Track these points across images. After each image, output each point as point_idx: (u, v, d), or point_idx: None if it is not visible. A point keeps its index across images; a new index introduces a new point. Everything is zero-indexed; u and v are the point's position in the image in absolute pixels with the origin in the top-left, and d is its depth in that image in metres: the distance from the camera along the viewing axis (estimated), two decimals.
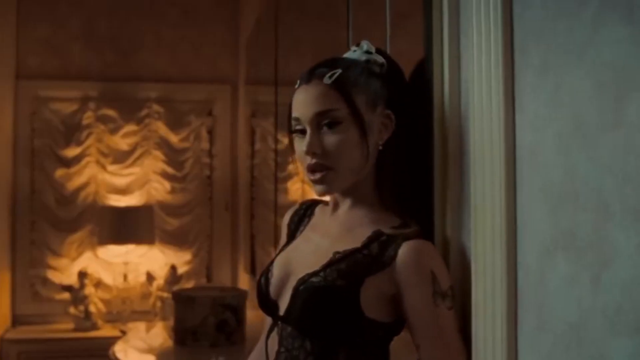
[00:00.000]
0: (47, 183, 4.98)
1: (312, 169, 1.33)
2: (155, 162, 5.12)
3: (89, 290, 4.80)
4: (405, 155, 1.39)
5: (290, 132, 1.38)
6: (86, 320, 4.76)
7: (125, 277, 4.96)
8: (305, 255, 1.38)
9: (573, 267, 1.04)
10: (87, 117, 5.04)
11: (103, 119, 5.06)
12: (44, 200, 4.97)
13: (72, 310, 4.77)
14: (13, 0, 4.93)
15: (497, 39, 1.22)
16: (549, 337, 1.10)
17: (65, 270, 4.95)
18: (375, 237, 1.30)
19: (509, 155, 1.19)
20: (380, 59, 1.41)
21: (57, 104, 5.02)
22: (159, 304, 4.81)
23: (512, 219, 1.19)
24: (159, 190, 5.13)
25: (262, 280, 1.42)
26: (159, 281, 4.91)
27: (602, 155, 0.98)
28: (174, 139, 5.15)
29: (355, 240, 1.31)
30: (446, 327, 1.27)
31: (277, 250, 1.50)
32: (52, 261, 4.96)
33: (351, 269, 1.28)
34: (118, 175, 5.08)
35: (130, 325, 4.58)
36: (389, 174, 1.37)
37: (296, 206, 1.55)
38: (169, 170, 5.14)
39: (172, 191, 5.14)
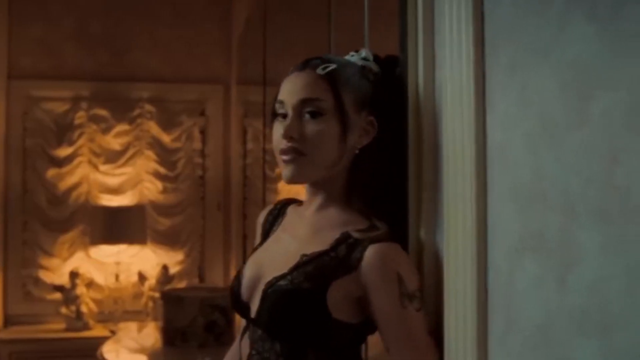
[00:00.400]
0: (39, 183, 4.97)
1: (285, 152, 1.32)
2: (147, 162, 5.11)
3: (81, 290, 4.79)
4: (383, 163, 1.39)
5: (273, 115, 1.38)
6: (78, 320, 4.75)
7: (117, 277, 4.94)
8: (274, 257, 1.37)
9: (540, 268, 1.03)
10: (79, 117, 5.03)
11: (95, 119, 5.05)
12: (35, 200, 4.96)
13: (63, 310, 4.76)
14: (5, 0, 4.92)
15: (468, 37, 1.21)
16: (518, 338, 1.09)
17: (57, 270, 4.94)
18: (343, 239, 1.29)
19: (479, 155, 1.18)
20: (375, 67, 1.41)
21: (49, 103, 5.00)
22: (150, 304, 4.80)
23: (483, 219, 1.18)
24: (151, 190, 5.12)
25: (235, 282, 1.41)
26: (151, 281, 4.90)
27: (568, 156, 0.97)
28: (166, 138, 5.14)
29: (323, 242, 1.31)
30: (415, 328, 1.26)
31: (251, 251, 1.50)
32: (44, 261, 4.95)
33: (318, 271, 1.27)
34: (110, 175, 5.07)
35: (122, 325, 4.58)
36: (363, 178, 1.36)
37: (271, 205, 1.55)
38: (161, 170, 5.13)
39: (164, 191, 5.13)
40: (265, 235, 1.49)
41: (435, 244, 1.36)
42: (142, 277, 4.93)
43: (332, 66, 1.37)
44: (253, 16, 4.00)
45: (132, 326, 4.63)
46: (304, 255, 1.30)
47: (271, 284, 1.30)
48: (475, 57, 1.19)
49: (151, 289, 4.85)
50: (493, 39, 1.17)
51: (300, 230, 1.39)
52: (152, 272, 4.97)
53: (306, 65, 1.38)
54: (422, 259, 1.39)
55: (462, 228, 1.22)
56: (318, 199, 1.38)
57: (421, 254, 1.39)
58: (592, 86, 0.92)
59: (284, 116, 1.35)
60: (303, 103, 1.33)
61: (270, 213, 1.52)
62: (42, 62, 4.98)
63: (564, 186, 0.97)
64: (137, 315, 4.84)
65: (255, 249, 1.48)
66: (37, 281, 4.95)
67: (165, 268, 4.94)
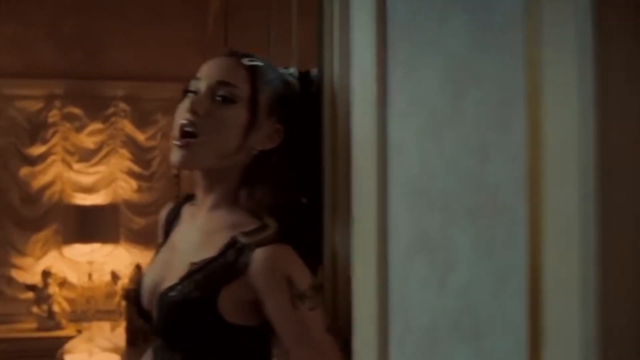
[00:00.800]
0: (11, 182, 4.93)
1: (182, 129, 1.28)
2: (121, 160, 5.08)
3: (53, 289, 4.75)
4: (285, 172, 1.35)
5: (184, 92, 1.34)
6: (49, 319, 4.71)
7: (90, 276, 4.91)
8: (168, 264, 1.35)
9: (426, 270, 1.01)
10: (53, 115, 4.99)
11: (69, 117, 5.01)
12: (8, 199, 4.92)
13: (35, 309, 4.73)
14: None
15: (372, 38, 1.18)
16: (413, 340, 1.07)
17: (29, 269, 4.91)
18: (232, 244, 1.26)
19: (380, 155, 1.15)
20: (297, 88, 1.40)
21: (22, 102, 4.97)
22: (123, 303, 4.77)
23: (383, 219, 1.15)
24: (125, 189, 5.09)
25: (137, 287, 1.39)
26: (124, 280, 4.87)
27: (447, 153, 0.95)
28: (140, 137, 5.11)
29: (212, 248, 1.28)
30: (312, 328, 1.23)
31: (155, 252, 1.47)
32: (17, 260, 4.91)
33: (208, 279, 1.25)
34: (84, 174, 5.03)
35: (88, 325, 4.55)
36: (259, 181, 1.33)
37: (171, 203, 1.51)
38: (136, 168, 5.09)
39: (139, 190, 5.10)
40: (167, 235, 1.46)
41: (348, 251, 1.33)
42: (115, 277, 4.89)
43: (259, 62, 1.36)
44: (216, 14, 3.97)
45: (105, 326, 4.61)
46: (193, 263, 1.27)
47: (163, 295, 1.27)
48: (377, 56, 1.17)
49: (124, 289, 4.82)
50: (394, 39, 1.14)
51: (192, 233, 1.36)
52: (126, 272, 4.93)
53: (234, 54, 1.37)
54: (337, 262, 1.36)
55: (366, 229, 1.20)
56: (210, 199, 1.35)
57: (335, 257, 1.36)
58: (466, 81, 0.89)
59: (196, 94, 1.32)
60: (219, 84, 1.31)
61: (170, 212, 1.48)
62: (15, 60, 4.94)
63: (444, 184, 0.95)
64: (109, 315, 4.80)
65: (157, 251, 1.45)
66: (10, 280, 4.91)
67: (138, 267, 4.90)
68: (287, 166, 1.35)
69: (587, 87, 0.61)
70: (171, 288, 1.27)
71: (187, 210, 1.43)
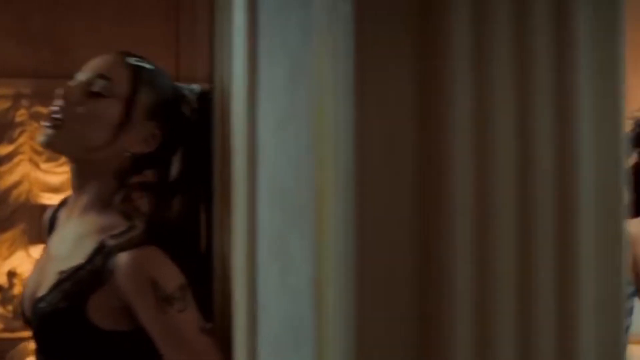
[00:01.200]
0: None
1: (51, 115, 1.28)
2: None
3: (18, 289, 4.72)
4: (166, 179, 1.33)
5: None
6: (15, 320, 4.68)
7: None
8: (43, 271, 1.32)
9: (276, 273, 0.98)
10: (20, 115, 4.95)
11: (36, 117, 4.95)
12: None
13: (0, 310, 4.70)
14: None
15: (243, 26, 1.15)
16: (268, 344, 1.04)
17: None
18: (100, 249, 1.23)
19: (250, 154, 1.12)
20: (194, 104, 1.38)
21: None
22: None
23: (252, 221, 1.12)
24: None
25: (23, 293, 1.37)
26: None
27: (290, 153, 0.92)
28: None
29: (82, 254, 1.25)
30: (184, 330, 1.20)
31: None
32: None
33: (75, 288, 1.22)
34: (51, 174, 5.00)
35: None
36: (134, 185, 1.30)
37: (56, 205, 1.49)
38: None
39: None
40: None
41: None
42: None
43: (148, 66, 1.35)
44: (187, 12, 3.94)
45: None
46: (62, 272, 1.25)
47: (34, 305, 1.25)
48: (247, 50, 1.13)
49: None
50: (265, 29, 1.11)
51: (65, 239, 1.33)
52: None
53: (123, 53, 1.37)
54: (226, 265, 1.33)
55: (239, 231, 1.17)
56: (82, 200, 1.32)
57: (225, 260, 1.33)
58: (300, 77, 0.87)
59: None
60: (96, 77, 1.30)
61: (52, 215, 1.45)
62: None
63: (287, 185, 0.93)
64: None
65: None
66: None
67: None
68: (171, 173, 1.33)
69: (348, 89, 0.59)
70: (41, 299, 1.24)
71: (63, 214, 1.40)
